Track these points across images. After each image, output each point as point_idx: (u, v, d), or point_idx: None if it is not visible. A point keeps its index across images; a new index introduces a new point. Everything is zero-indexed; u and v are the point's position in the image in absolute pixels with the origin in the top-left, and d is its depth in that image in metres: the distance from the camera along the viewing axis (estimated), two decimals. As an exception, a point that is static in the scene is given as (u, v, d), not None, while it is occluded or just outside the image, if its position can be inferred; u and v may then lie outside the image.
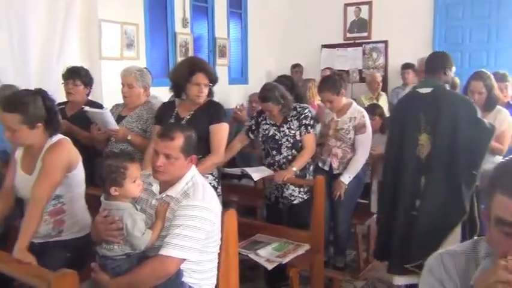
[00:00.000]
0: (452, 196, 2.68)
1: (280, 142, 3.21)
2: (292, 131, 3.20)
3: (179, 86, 2.72)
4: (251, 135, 3.39)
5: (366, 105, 4.82)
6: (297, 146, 3.21)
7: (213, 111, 2.72)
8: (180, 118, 2.75)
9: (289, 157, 3.20)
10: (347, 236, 3.57)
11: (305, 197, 3.24)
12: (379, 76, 5.89)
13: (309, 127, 3.20)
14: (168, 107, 2.88)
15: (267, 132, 3.27)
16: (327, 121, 3.46)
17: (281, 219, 3.27)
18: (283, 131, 3.21)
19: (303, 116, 3.20)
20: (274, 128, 3.24)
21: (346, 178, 3.31)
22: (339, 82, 3.35)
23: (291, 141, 3.20)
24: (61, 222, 2.14)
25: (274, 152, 3.24)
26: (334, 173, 3.38)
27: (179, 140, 1.90)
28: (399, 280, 2.83)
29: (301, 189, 3.24)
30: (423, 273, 1.30)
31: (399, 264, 2.79)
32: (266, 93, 3.16)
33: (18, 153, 2.22)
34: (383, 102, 5.50)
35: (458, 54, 5.97)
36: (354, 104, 3.46)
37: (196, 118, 2.70)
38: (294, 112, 3.22)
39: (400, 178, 2.84)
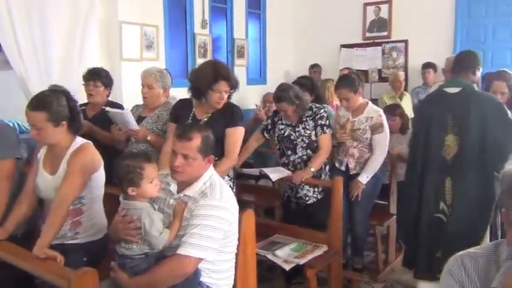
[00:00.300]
0: (483, 197, 2.62)
1: (295, 142, 3.21)
2: (308, 131, 3.19)
3: (200, 90, 2.69)
4: (266, 135, 3.41)
5: (387, 104, 4.77)
6: (312, 146, 3.20)
7: (229, 114, 2.71)
8: (197, 120, 2.75)
9: (304, 157, 3.20)
10: (365, 237, 3.54)
11: (319, 196, 3.23)
12: (402, 75, 5.80)
13: (325, 127, 3.18)
14: (186, 104, 2.84)
15: (282, 132, 3.27)
16: (341, 122, 3.41)
17: (295, 218, 3.27)
18: (298, 131, 3.21)
19: (319, 116, 3.19)
20: (290, 128, 3.24)
21: (364, 178, 3.28)
22: (357, 80, 3.33)
23: (306, 141, 3.19)
24: (78, 223, 2.18)
25: (289, 152, 3.24)
26: (351, 173, 3.35)
27: (197, 140, 1.91)
28: (424, 285, 2.78)
29: (316, 190, 3.23)
30: (443, 275, 1.28)
31: (426, 270, 2.74)
32: (280, 94, 3.16)
33: (41, 153, 2.26)
34: (406, 101, 5.42)
35: (481, 53, 5.81)
36: (370, 103, 3.42)
37: (213, 120, 2.69)
38: (310, 112, 3.21)
39: (424, 179, 2.79)
